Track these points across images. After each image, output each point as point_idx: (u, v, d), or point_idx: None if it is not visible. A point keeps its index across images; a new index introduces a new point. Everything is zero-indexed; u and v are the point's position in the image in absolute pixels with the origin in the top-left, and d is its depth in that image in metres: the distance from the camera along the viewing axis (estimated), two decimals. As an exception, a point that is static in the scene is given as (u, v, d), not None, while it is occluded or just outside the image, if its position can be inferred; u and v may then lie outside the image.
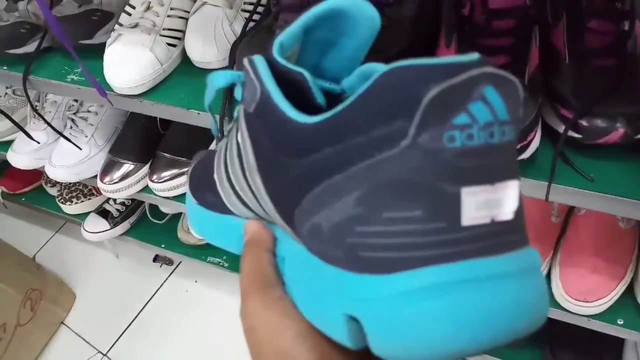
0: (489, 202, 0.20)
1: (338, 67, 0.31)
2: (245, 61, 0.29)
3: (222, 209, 0.36)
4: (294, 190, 0.26)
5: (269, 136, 0.27)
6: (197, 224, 0.41)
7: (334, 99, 0.30)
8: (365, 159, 0.21)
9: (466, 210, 0.20)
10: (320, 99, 0.28)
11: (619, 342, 1.03)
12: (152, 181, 1.06)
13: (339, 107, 0.22)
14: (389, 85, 0.20)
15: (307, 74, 0.27)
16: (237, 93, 0.31)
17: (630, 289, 0.82)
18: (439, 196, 0.20)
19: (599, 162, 0.61)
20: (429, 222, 0.20)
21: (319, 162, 0.23)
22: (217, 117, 0.71)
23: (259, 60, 0.28)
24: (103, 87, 0.77)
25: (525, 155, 0.59)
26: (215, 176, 0.36)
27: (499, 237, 0.21)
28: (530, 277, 0.21)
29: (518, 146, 0.57)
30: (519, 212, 0.22)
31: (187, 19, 0.81)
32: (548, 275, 0.85)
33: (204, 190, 0.38)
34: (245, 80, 0.29)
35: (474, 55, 0.20)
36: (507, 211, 0.21)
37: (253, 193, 0.30)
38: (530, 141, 0.59)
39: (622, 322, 0.81)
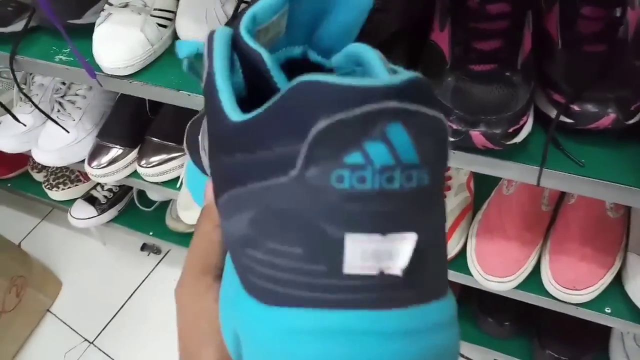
0: (378, 253, 0.18)
1: (330, 42, 0.29)
2: (207, 35, 0.26)
3: (205, 170, 0.35)
4: (217, 186, 0.24)
5: (210, 120, 0.25)
6: (187, 177, 0.41)
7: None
8: (262, 179, 0.19)
9: (350, 257, 0.18)
10: (280, 82, 0.24)
11: (606, 332, 1.04)
12: (141, 166, 1.05)
13: (255, 113, 0.20)
14: (294, 100, 0.18)
15: (265, 55, 0.24)
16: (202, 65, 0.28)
17: (617, 278, 0.83)
18: (322, 238, 0.18)
19: (590, 147, 0.61)
20: (308, 262, 0.19)
21: (232, 167, 0.22)
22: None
23: (220, 34, 0.25)
24: (93, 68, 0.76)
25: (517, 139, 0.59)
26: (199, 137, 0.35)
27: (386, 291, 0.18)
28: (420, 337, 0.19)
29: (511, 130, 0.57)
30: (420, 266, 0.19)
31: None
32: (538, 264, 0.86)
33: (193, 148, 0.38)
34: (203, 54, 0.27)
35: (401, 76, 0.17)
36: (398, 265, 0.18)
37: None
38: (523, 125, 0.59)
39: (609, 311, 0.82)
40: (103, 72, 0.77)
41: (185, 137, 0.41)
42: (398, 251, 0.18)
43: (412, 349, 0.19)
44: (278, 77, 0.24)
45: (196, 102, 0.74)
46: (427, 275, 0.20)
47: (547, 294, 0.84)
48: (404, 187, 0.18)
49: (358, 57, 0.22)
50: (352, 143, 0.17)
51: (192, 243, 0.29)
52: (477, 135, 0.57)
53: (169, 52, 0.81)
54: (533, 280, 0.85)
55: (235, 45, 0.25)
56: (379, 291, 0.18)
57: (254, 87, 0.25)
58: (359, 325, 0.18)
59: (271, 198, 0.19)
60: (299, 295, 0.19)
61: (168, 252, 1.61)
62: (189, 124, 0.41)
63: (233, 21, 0.77)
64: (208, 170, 0.34)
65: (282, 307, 0.19)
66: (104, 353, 1.45)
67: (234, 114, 0.22)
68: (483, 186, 0.96)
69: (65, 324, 1.53)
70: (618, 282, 0.83)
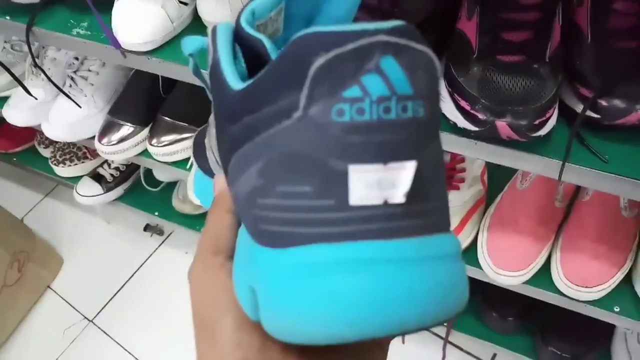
0: (381, 182, 0.19)
1: None
2: (209, 29, 0.28)
3: (211, 172, 0.37)
4: (227, 157, 0.25)
5: (217, 100, 0.26)
6: (195, 186, 0.41)
7: None
8: (267, 129, 0.21)
9: (354, 188, 0.19)
10: None
11: (609, 330, 1.04)
12: (152, 145, 1.04)
13: (257, 76, 0.21)
14: (292, 54, 0.19)
15: (265, 41, 0.25)
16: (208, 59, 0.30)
17: (628, 277, 0.83)
18: (327, 172, 0.19)
19: (614, 143, 0.61)
20: (317, 198, 0.19)
21: (239, 130, 0.23)
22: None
23: (223, 27, 0.27)
24: (118, 40, 0.75)
25: (542, 132, 0.58)
26: (206, 141, 0.36)
27: (393, 221, 0.20)
28: (432, 266, 0.20)
29: (537, 122, 0.56)
30: (422, 196, 0.20)
31: (201, -23, 0.79)
32: (548, 260, 0.85)
33: (200, 155, 0.38)
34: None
35: (388, 24, 0.18)
36: (400, 193, 0.19)
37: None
38: (548, 118, 0.58)
39: (618, 310, 0.82)
40: (122, 48, 0.77)
41: (192, 148, 0.42)
42: (399, 179, 0.19)
43: (423, 276, 0.20)
44: None
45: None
46: (429, 207, 0.21)
47: (556, 290, 0.84)
48: (401, 117, 0.19)
49: None
50: (349, 77, 0.18)
51: (205, 228, 0.30)
52: (503, 126, 0.56)
53: (189, 30, 0.80)
54: (543, 276, 0.85)
55: (237, 37, 0.26)
56: (385, 221, 0.19)
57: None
58: (370, 254, 0.19)
59: (277, 143, 0.20)
60: (310, 233, 0.20)
61: (171, 233, 1.61)
62: (195, 135, 0.42)
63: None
64: (216, 167, 0.35)
65: (296, 247, 0.20)
66: (103, 331, 1.45)
67: (237, 84, 0.23)
68: (497, 179, 0.95)
69: (65, 300, 1.53)
70: (628, 281, 0.83)
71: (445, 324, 1.14)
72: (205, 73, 0.28)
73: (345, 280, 0.19)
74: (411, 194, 0.19)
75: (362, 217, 0.19)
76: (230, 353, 0.25)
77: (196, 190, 0.42)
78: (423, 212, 0.20)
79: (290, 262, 0.20)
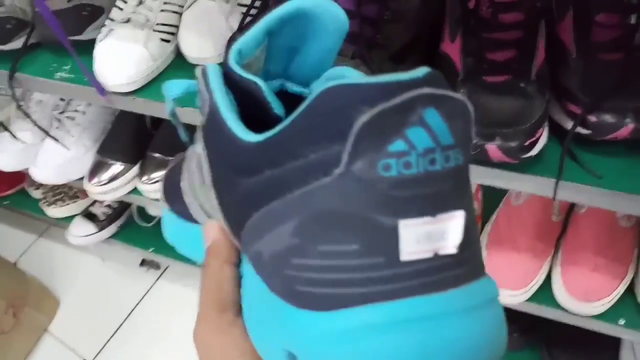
0: (431, 235, 0.19)
1: (308, 70, 0.29)
2: (198, 71, 0.27)
3: (190, 218, 0.35)
4: (240, 211, 0.24)
5: (219, 150, 0.25)
6: (169, 231, 0.39)
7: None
8: (302, 186, 0.20)
9: (405, 244, 0.19)
10: (277, 109, 0.26)
11: (616, 342, 1.03)
12: (143, 182, 1.03)
13: (280, 127, 0.21)
14: (325, 106, 0.19)
15: (261, 83, 0.25)
16: (197, 102, 0.29)
17: (630, 288, 0.82)
18: (375, 229, 0.19)
19: (607, 158, 0.60)
20: (365, 257, 0.19)
21: (261, 184, 0.22)
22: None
23: (212, 69, 0.26)
24: (101, 85, 0.75)
25: (533, 152, 0.58)
26: (182, 184, 0.34)
27: (443, 272, 0.19)
28: (480, 313, 0.20)
29: (527, 142, 0.56)
30: (468, 243, 0.20)
31: (181, 14, 0.79)
32: (549, 275, 0.84)
33: (174, 198, 0.37)
34: (199, 90, 0.27)
35: (419, 72, 0.18)
36: (451, 244, 0.19)
37: (212, 207, 0.29)
38: (538, 138, 0.58)
39: (623, 322, 0.80)
40: (105, 89, 0.76)
41: (162, 189, 0.40)
42: (449, 230, 0.19)
43: (475, 325, 0.19)
44: (275, 104, 0.26)
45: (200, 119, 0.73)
46: (473, 252, 0.21)
47: (559, 306, 0.82)
48: (445, 167, 0.19)
49: (338, 78, 0.23)
50: (394, 131, 0.18)
51: (203, 284, 0.28)
52: (493, 149, 0.56)
53: (172, 67, 0.80)
54: (545, 293, 0.84)
55: (226, 79, 0.26)
56: (435, 273, 0.19)
57: (249, 119, 0.25)
58: (424, 310, 0.19)
59: (316, 201, 0.19)
60: (359, 293, 0.19)
61: (167, 267, 1.59)
62: (164, 177, 0.40)
63: (239, 33, 0.76)
64: (199, 214, 0.33)
65: (342, 310, 0.19)
66: (103, 373, 1.43)
67: (249, 136, 0.22)
68: (491, 197, 0.95)
69: (63, 343, 1.50)
70: (631, 292, 0.82)
71: None
72: (194, 112, 0.27)
73: (402, 338, 0.18)
74: (461, 244, 0.19)
75: (412, 272, 0.19)
76: None
77: (170, 235, 0.39)
78: (468, 259, 0.20)
79: (341, 326, 0.19)
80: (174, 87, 0.29)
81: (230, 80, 0.26)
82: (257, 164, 0.22)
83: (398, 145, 0.18)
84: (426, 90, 0.18)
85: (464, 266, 0.20)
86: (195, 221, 0.35)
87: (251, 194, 0.23)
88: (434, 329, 0.19)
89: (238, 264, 0.29)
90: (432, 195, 0.19)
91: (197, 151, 0.29)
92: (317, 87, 0.27)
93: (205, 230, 0.30)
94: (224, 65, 0.26)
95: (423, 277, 0.19)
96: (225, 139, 0.24)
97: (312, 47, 0.28)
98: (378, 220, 0.19)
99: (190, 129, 0.34)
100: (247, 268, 0.27)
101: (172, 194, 0.37)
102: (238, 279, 0.28)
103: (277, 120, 0.25)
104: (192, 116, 0.70)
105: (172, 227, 0.38)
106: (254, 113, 0.24)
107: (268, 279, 0.23)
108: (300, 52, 0.29)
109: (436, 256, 0.19)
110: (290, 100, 0.28)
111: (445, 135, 0.18)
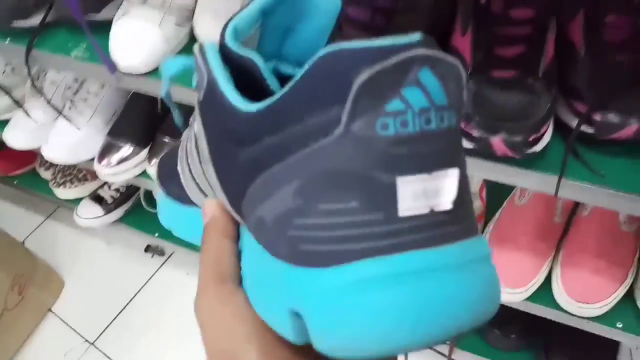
0: (427, 192, 0.20)
1: (300, 52, 0.30)
2: (195, 48, 0.28)
3: (187, 200, 0.36)
4: (240, 181, 0.25)
5: (217, 124, 0.26)
6: (165, 216, 0.40)
7: None
8: (302, 149, 0.21)
9: (402, 200, 0.19)
10: (273, 85, 0.26)
11: (614, 346, 1.03)
12: (152, 165, 1.04)
13: (278, 95, 0.21)
14: (323, 70, 0.20)
15: (257, 59, 0.25)
16: (193, 80, 0.29)
17: (630, 293, 0.82)
18: (374, 186, 0.19)
19: (610, 158, 0.60)
20: (364, 213, 0.20)
21: (261, 151, 0.23)
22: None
23: (209, 46, 0.27)
24: (113, 64, 0.76)
25: (537, 148, 0.58)
26: (179, 167, 0.35)
27: (439, 228, 0.20)
28: (474, 268, 0.21)
29: (531, 138, 0.56)
30: (462, 201, 0.21)
31: (197, -2, 0.80)
32: (549, 276, 0.85)
33: (170, 182, 0.38)
34: (195, 67, 0.28)
35: (414, 36, 0.19)
36: (446, 201, 0.20)
37: (210, 184, 0.30)
38: (543, 134, 0.58)
39: (621, 326, 0.81)
40: (119, 70, 0.77)
41: (157, 174, 0.40)
42: (444, 187, 0.20)
43: (470, 280, 0.20)
44: (271, 80, 0.26)
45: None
46: (466, 212, 0.21)
47: (557, 306, 0.83)
48: (440, 127, 0.19)
49: None
50: (391, 91, 0.19)
51: (203, 257, 0.29)
52: (497, 142, 0.56)
53: (186, 50, 0.81)
54: (544, 293, 0.84)
55: (222, 56, 0.26)
56: (433, 229, 0.20)
57: (243, 96, 0.26)
58: (422, 264, 0.20)
59: (317, 162, 0.20)
60: (360, 248, 0.20)
61: (172, 254, 1.61)
62: (159, 162, 0.41)
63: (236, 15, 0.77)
64: (196, 195, 0.34)
65: (343, 265, 0.20)
66: (104, 354, 1.44)
67: (248, 107, 0.23)
68: (495, 196, 0.95)
69: (66, 323, 1.52)
70: (630, 296, 0.82)
71: (447, 342, 1.13)
72: (190, 92, 0.28)
73: (401, 291, 0.19)
74: (455, 201, 0.20)
75: (409, 227, 0.20)
76: None
77: (165, 218, 0.40)
78: (462, 217, 0.21)
79: (344, 280, 0.20)
80: (172, 65, 0.30)
81: (225, 58, 0.26)
82: (257, 132, 0.23)
83: (395, 104, 0.19)
84: (422, 51, 0.19)
85: (458, 224, 0.21)
86: (191, 204, 0.35)
87: (252, 162, 0.23)
88: (432, 281, 0.19)
89: (237, 239, 0.30)
90: (428, 153, 0.19)
91: (195, 130, 0.29)
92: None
93: (204, 208, 0.31)
94: (219, 44, 0.27)
95: (420, 233, 0.20)
96: (224, 112, 0.24)
97: (306, 27, 0.29)
98: (376, 177, 0.19)
99: (186, 113, 0.34)
100: (247, 240, 0.28)
101: (168, 178, 0.38)
102: (237, 253, 0.29)
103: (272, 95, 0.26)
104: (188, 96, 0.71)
105: (169, 211, 0.39)
106: (248, 91, 0.25)
107: (270, 244, 0.23)
108: (294, 32, 0.29)
109: (432, 212, 0.20)
110: (283, 83, 0.29)
111: (439, 96, 0.19)
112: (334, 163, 0.20)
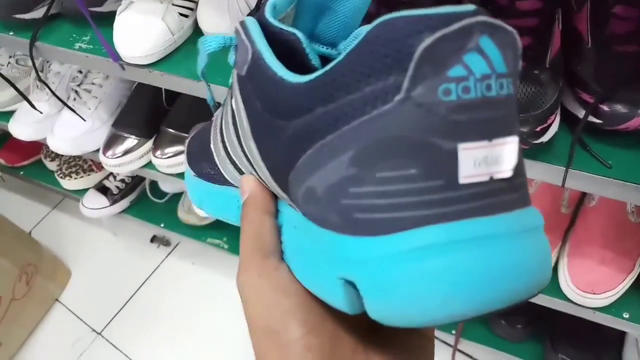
0: (487, 159, 0.19)
1: (334, 32, 0.30)
2: (237, 24, 0.28)
3: (220, 180, 0.36)
4: (288, 153, 0.25)
5: (261, 98, 0.25)
6: (197, 197, 0.40)
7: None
8: (359, 117, 0.20)
9: (463, 167, 0.19)
10: (315, 60, 0.27)
11: (620, 337, 1.03)
12: (156, 157, 1.04)
13: (331, 65, 0.21)
14: (382, 38, 0.19)
15: (300, 35, 0.25)
16: (230, 58, 0.30)
17: (637, 283, 0.82)
18: (435, 153, 0.19)
19: (617, 148, 0.60)
20: (424, 180, 0.20)
21: (312, 122, 0.22)
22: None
23: (250, 21, 0.27)
24: (117, 54, 0.76)
25: (544, 139, 0.58)
26: (212, 146, 0.35)
27: (498, 196, 0.20)
28: (531, 238, 0.21)
29: (538, 128, 0.56)
30: (519, 170, 0.21)
31: (200, -11, 0.79)
32: (555, 266, 0.84)
33: (202, 162, 0.38)
34: (237, 43, 0.28)
35: (469, 6, 0.19)
36: (506, 168, 0.20)
37: (249, 160, 0.30)
38: (550, 124, 0.58)
39: (627, 316, 0.80)
40: (119, 57, 0.77)
41: (186, 154, 0.40)
42: (504, 154, 0.20)
43: (527, 248, 0.20)
44: (312, 55, 0.26)
45: (216, 93, 0.73)
46: (522, 180, 0.21)
47: (564, 297, 0.83)
48: (500, 94, 0.20)
49: None
50: (453, 57, 0.19)
51: (243, 234, 0.29)
52: (504, 133, 0.56)
53: (189, 42, 0.80)
54: (550, 283, 0.83)
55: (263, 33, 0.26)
56: (492, 196, 0.20)
57: None
58: (481, 231, 0.19)
59: (375, 129, 0.20)
60: (420, 215, 0.20)
61: (177, 244, 1.61)
62: (188, 142, 0.41)
63: (256, 12, 0.77)
64: (232, 174, 0.33)
65: (401, 232, 0.20)
66: (111, 344, 1.45)
67: (296, 78, 0.23)
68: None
69: (73, 313, 1.53)
70: (637, 286, 0.82)
71: (453, 332, 1.13)
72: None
73: (461, 258, 0.19)
74: (514, 168, 0.20)
75: (469, 195, 0.20)
76: (300, 357, 0.24)
77: (198, 199, 0.40)
78: (519, 185, 0.21)
79: (401, 248, 0.20)
80: (211, 41, 0.30)
81: (267, 33, 0.26)
82: (307, 104, 0.22)
83: (457, 70, 0.19)
84: (482, 18, 0.19)
85: (516, 192, 0.21)
86: (222, 183, 0.36)
87: (301, 134, 0.23)
88: (492, 249, 0.19)
89: (276, 215, 0.30)
90: (488, 120, 0.19)
91: (232, 107, 0.29)
92: (346, 47, 0.28)
93: (242, 184, 0.31)
94: (259, 19, 0.27)
95: (480, 200, 0.20)
96: (270, 85, 0.24)
97: (341, 8, 0.29)
98: (437, 144, 0.19)
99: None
100: (288, 214, 0.28)
101: (198, 158, 0.38)
102: (277, 228, 0.29)
103: (313, 71, 0.26)
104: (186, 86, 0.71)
105: (200, 192, 0.39)
106: (288, 66, 0.25)
107: (320, 214, 0.23)
108: (329, 11, 0.29)
109: (492, 180, 0.20)
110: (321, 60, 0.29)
111: (499, 64, 0.19)
112: (393, 130, 0.20)
